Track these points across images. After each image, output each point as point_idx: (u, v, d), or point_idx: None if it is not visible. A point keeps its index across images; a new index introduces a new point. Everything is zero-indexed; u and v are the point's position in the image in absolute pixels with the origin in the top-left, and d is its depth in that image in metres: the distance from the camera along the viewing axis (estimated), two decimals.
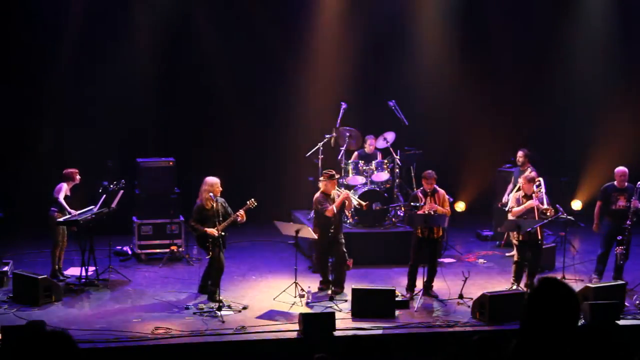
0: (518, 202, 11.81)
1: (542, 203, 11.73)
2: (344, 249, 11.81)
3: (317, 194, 11.96)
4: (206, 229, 11.11)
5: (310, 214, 14.25)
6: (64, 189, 12.02)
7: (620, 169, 12.23)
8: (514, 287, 11.66)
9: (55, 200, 11.99)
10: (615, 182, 12.21)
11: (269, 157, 16.26)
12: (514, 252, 13.82)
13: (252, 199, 11.34)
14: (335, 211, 11.67)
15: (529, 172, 13.15)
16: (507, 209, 12.32)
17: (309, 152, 14.37)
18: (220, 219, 11.16)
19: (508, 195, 13.66)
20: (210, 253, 11.18)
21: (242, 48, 16.06)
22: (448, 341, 9.98)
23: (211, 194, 11.15)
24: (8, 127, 15.09)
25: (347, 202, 11.94)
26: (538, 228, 11.48)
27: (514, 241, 11.98)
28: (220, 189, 11.30)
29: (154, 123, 15.70)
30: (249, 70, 16.13)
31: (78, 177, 12.23)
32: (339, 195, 11.82)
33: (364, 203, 12.35)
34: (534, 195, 11.75)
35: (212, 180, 11.28)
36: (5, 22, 14.97)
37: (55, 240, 12.12)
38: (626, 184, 12.16)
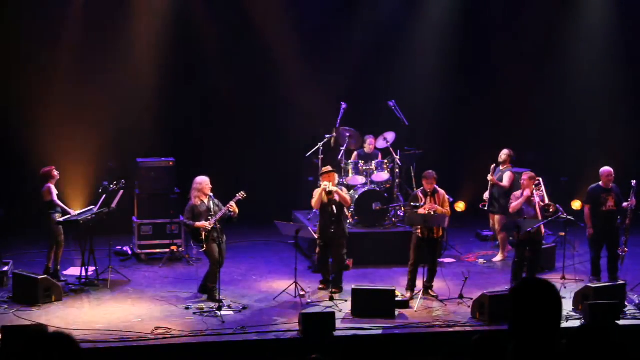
0: (518, 199, 11.83)
1: (542, 201, 11.78)
2: (344, 252, 11.80)
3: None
4: (196, 223, 11.18)
5: (310, 214, 14.27)
6: (53, 190, 11.97)
7: (607, 169, 12.21)
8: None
9: (51, 203, 11.92)
10: (601, 183, 12.18)
11: (269, 157, 16.25)
12: (499, 255, 13.89)
13: (242, 192, 11.37)
14: (317, 204, 11.72)
15: (511, 172, 13.32)
16: (502, 201, 12.28)
17: (309, 152, 14.37)
18: (213, 214, 11.23)
19: (489, 196, 13.74)
20: (204, 246, 11.22)
21: (242, 48, 16.06)
22: (448, 341, 9.98)
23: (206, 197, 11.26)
24: (8, 127, 15.09)
25: (341, 198, 11.82)
26: (541, 227, 11.50)
27: (514, 240, 12.00)
28: (210, 186, 11.36)
29: (154, 123, 15.69)
30: (249, 70, 16.13)
31: (56, 172, 12.11)
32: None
33: (333, 189, 11.75)
34: (534, 192, 11.77)
35: (201, 179, 11.39)
36: (6, 21, 14.97)
37: (58, 240, 12.08)
38: (611, 184, 12.16)
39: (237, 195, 11.36)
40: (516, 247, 11.87)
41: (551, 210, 11.69)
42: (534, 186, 11.86)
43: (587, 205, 12.30)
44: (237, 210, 11.29)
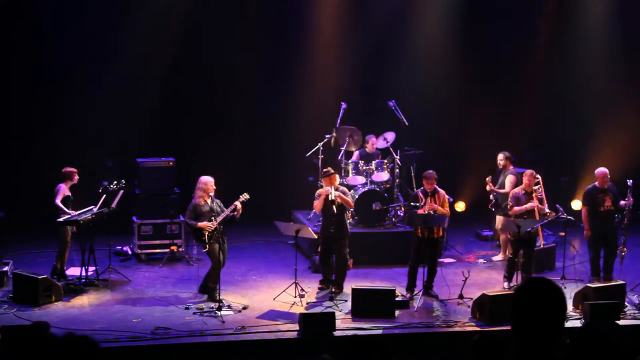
0: (518, 200, 11.80)
1: (541, 203, 11.76)
2: (347, 252, 11.79)
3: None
4: (199, 223, 11.18)
5: (310, 214, 14.26)
6: (61, 191, 11.94)
7: (602, 170, 12.21)
8: (505, 284, 11.75)
9: (53, 204, 11.90)
10: (597, 183, 12.17)
11: (269, 157, 16.25)
12: (500, 255, 13.88)
13: (245, 193, 11.37)
14: (318, 207, 11.69)
15: (513, 175, 13.21)
16: (505, 204, 12.25)
17: (309, 152, 14.37)
18: (215, 214, 11.22)
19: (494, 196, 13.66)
20: (207, 246, 11.22)
21: (242, 48, 16.05)
22: (448, 341, 9.98)
23: (210, 194, 11.22)
24: (8, 126, 15.10)
25: (344, 202, 11.79)
26: (538, 228, 11.49)
27: (510, 238, 12.00)
28: (214, 187, 11.36)
29: (154, 123, 15.69)
30: (249, 70, 16.12)
31: (77, 177, 12.17)
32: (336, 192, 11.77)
33: (335, 194, 11.58)
34: (533, 194, 11.75)
35: (206, 179, 11.38)
36: (5, 22, 14.98)
37: (65, 241, 12.06)
38: (607, 184, 12.17)
39: (241, 196, 11.35)
40: (512, 245, 11.88)
41: (549, 217, 11.71)
42: (534, 187, 11.86)
43: (584, 207, 12.27)
44: (240, 211, 11.30)
